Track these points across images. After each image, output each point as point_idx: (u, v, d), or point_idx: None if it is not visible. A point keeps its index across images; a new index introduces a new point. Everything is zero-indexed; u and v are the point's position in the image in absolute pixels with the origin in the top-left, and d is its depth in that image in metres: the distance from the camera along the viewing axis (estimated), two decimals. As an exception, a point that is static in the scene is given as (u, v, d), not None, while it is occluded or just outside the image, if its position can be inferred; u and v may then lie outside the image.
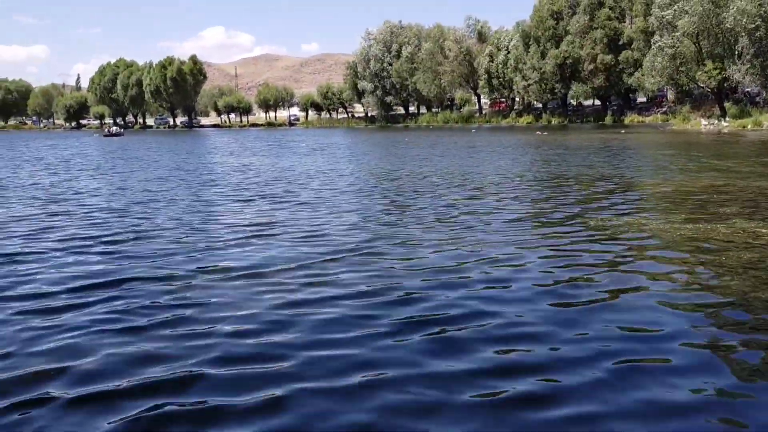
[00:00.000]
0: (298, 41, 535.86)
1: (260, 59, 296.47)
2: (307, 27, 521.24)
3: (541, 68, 74.19)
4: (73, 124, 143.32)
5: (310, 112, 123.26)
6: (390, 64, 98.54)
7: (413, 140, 47.03)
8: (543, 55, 74.86)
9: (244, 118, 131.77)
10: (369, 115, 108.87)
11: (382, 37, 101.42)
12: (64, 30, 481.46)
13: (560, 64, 72.74)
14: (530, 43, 77.09)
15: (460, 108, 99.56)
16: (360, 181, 18.64)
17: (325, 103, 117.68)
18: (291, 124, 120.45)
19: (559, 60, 72.49)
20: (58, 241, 9.87)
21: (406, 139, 50.43)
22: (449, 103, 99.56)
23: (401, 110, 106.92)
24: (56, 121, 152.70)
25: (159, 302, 6.45)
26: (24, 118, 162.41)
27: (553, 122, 75.99)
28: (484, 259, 7.95)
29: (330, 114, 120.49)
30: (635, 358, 4.78)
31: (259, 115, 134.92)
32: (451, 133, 62.62)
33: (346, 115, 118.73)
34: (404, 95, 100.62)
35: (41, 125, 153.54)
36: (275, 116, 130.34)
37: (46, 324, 5.82)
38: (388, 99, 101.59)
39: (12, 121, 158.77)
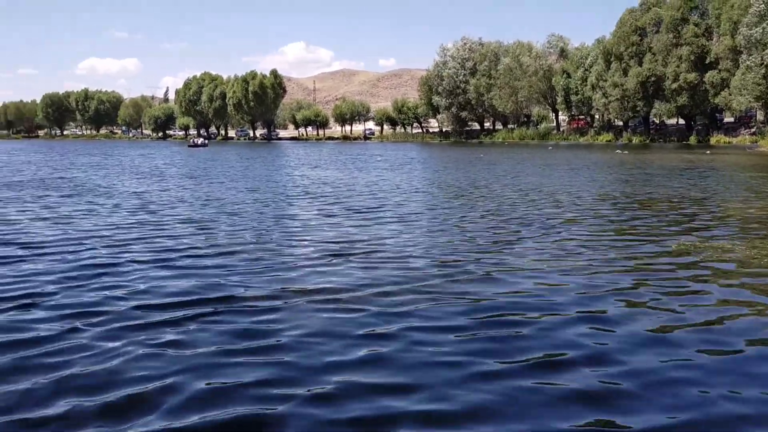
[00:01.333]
0: (376, 56, 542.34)
1: (338, 74, 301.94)
2: (384, 43, 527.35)
3: (622, 85, 72.53)
4: (160, 134, 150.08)
5: (384, 126, 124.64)
6: (465, 80, 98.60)
7: (492, 157, 46.88)
8: (625, 72, 73.19)
9: (321, 131, 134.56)
10: (443, 130, 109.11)
11: (459, 52, 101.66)
12: (154, 44, 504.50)
13: (643, 82, 70.93)
14: (611, 59, 75.54)
15: (537, 124, 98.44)
16: (439, 198, 18.89)
17: (400, 118, 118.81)
18: (366, 137, 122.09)
19: (642, 77, 70.71)
20: (147, 252, 10.06)
21: (481, 155, 50.42)
22: (525, 119, 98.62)
23: (476, 126, 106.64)
24: (144, 131, 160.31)
25: (245, 325, 6.37)
26: (114, 127, 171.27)
27: (634, 141, 74.05)
28: (574, 286, 7.79)
29: (404, 128, 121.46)
30: None
31: (335, 129, 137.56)
32: (528, 149, 62.05)
33: (420, 130, 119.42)
34: (480, 111, 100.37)
35: (130, 135, 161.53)
36: (351, 130, 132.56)
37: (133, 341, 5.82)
38: (463, 114, 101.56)
39: (103, 130, 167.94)
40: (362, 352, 5.57)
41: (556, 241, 11.04)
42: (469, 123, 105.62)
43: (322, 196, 19.46)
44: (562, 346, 5.68)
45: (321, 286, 7.86)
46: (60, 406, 4.48)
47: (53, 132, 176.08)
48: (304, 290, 7.68)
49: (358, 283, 7.95)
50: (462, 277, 8.30)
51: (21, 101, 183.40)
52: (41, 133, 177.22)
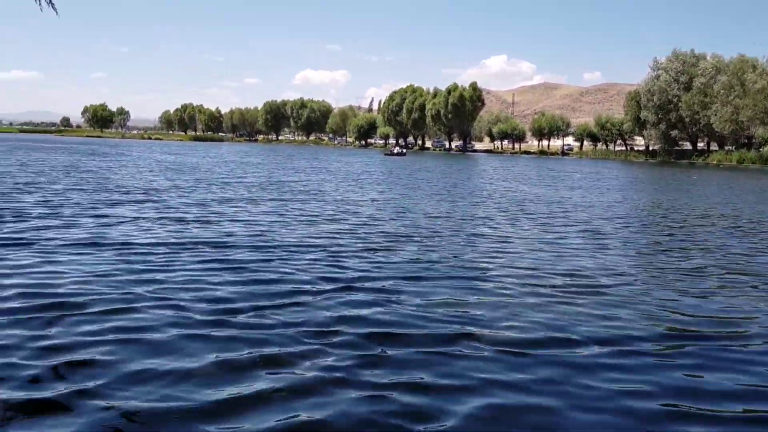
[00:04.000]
0: (580, 70, 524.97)
1: (539, 87, 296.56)
2: (590, 56, 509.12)
3: None
4: (362, 142, 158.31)
5: (585, 142, 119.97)
6: (678, 96, 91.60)
7: (713, 182, 42.99)
8: None
9: (517, 145, 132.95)
10: (650, 148, 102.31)
11: (672, 66, 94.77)
12: (363, 57, 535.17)
13: None
14: None
15: (759, 148, 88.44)
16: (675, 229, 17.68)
17: (602, 134, 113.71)
18: (563, 153, 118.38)
19: None
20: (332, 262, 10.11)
21: (694, 177, 46.47)
22: (746, 141, 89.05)
23: (687, 146, 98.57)
24: (348, 139, 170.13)
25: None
26: (322, 134, 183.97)
27: None
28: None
29: (606, 145, 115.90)
30: None
31: (532, 143, 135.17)
32: (749, 174, 55.94)
33: (624, 148, 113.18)
34: (693, 130, 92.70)
35: (335, 142, 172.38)
36: (548, 145, 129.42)
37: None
38: (673, 133, 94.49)
39: (312, 137, 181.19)
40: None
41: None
42: (680, 142, 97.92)
43: (537, 215, 18.12)
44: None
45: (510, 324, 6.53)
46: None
47: (270, 137, 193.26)
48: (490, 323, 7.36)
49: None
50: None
51: (245, 108, 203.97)
52: (260, 137, 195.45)
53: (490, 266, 9.48)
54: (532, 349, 5.62)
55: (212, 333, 5.77)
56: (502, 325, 6.35)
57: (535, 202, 21.59)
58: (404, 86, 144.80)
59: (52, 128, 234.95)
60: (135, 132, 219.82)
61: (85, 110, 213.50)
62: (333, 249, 10.38)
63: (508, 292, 7.82)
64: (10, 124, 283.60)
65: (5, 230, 11.16)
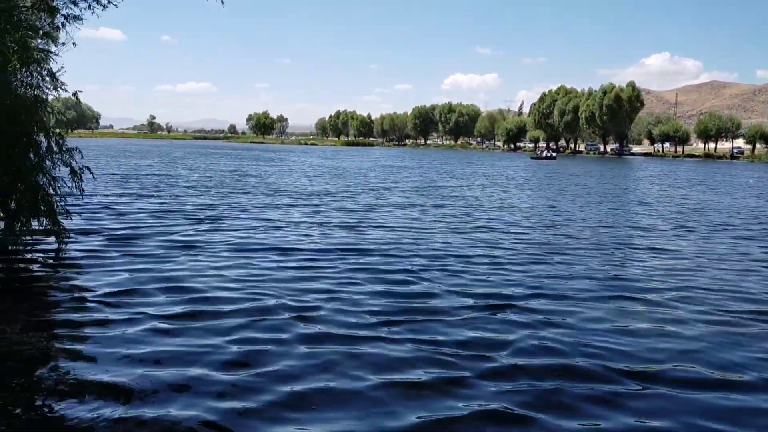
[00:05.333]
0: (753, 66, 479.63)
1: (705, 86, 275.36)
2: (764, 51, 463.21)
3: None
4: (510, 146, 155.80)
5: (757, 144, 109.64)
6: None
7: None
8: None
9: (679, 148, 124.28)
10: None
11: None
12: (514, 59, 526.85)
13: None
14: None
15: None
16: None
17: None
18: (733, 156, 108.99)
19: None
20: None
21: None
22: None
23: None
24: (496, 143, 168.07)
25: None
26: (470, 138, 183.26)
27: None
28: None
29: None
30: None
31: (697, 146, 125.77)
32: None
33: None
34: None
35: (483, 146, 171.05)
36: (715, 148, 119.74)
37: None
38: None
39: (460, 141, 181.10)
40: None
41: None
42: None
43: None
44: None
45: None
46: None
47: (418, 141, 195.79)
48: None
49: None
50: None
51: (395, 113, 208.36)
52: (408, 141, 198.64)
53: (661, 286, 8.92)
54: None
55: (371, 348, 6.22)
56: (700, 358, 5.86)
57: (707, 212, 20.41)
58: (556, 88, 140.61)
59: (221, 135, 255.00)
60: (293, 138, 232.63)
61: (249, 118, 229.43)
62: (493, 259, 10.52)
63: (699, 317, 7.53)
64: (185, 131, 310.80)
65: (180, 232, 12.42)
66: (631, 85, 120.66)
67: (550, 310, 7.35)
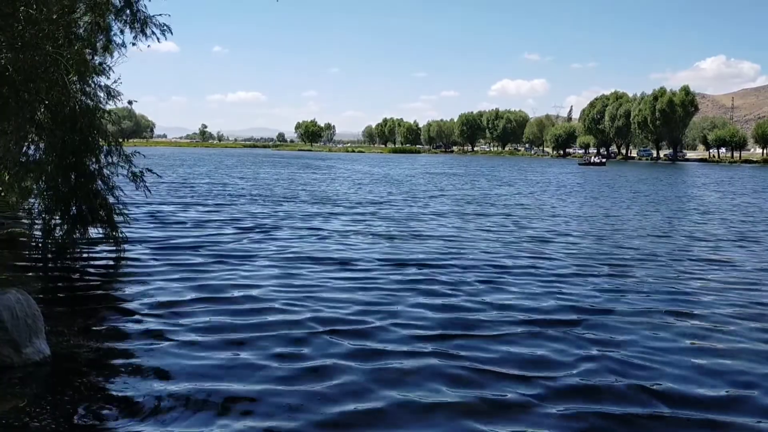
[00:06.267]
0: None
1: (763, 90, 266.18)
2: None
3: None
4: (560, 152, 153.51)
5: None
6: None
7: None
8: None
9: (736, 154, 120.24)
10: None
11: None
12: (562, 65, 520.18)
13: None
14: None
15: None
16: None
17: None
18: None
19: None
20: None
21: None
22: None
23: None
24: (545, 149, 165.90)
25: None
26: (518, 145, 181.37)
27: None
28: None
29: None
30: None
31: (755, 151, 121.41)
32: None
33: None
34: None
35: (532, 152, 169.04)
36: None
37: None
38: None
39: (508, 147, 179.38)
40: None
41: None
42: None
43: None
44: None
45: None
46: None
47: (465, 148, 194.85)
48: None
49: None
50: None
51: (441, 120, 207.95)
52: (455, 148, 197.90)
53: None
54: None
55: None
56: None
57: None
58: (607, 93, 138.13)
59: (270, 143, 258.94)
60: (340, 145, 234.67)
61: (298, 126, 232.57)
62: (545, 270, 10.26)
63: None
64: (235, 140, 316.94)
65: (234, 241, 12.56)
66: (685, 89, 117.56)
67: (609, 327, 7.12)
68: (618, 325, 7.09)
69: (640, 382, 5.34)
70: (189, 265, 9.80)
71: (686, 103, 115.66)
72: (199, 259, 10.34)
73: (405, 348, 6.14)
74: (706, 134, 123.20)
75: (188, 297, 7.84)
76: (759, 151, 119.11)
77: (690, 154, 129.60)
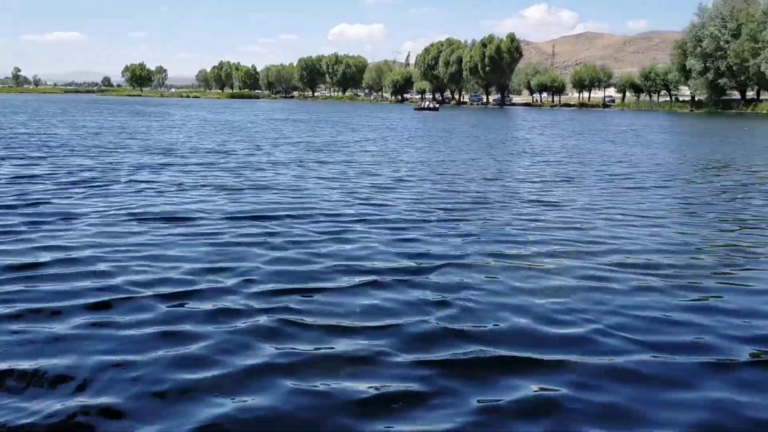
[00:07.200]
0: (624, 17, 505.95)
1: (580, 38, 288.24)
2: (636, 2, 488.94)
3: None
4: (398, 97, 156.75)
5: (627, 93, 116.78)
6: (727, 43, 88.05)
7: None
8: None
9: (556, 98, 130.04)
10: (695, 99, 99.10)
11: (719, 12, 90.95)
12: (400, 10, 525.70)
13: None
14: None
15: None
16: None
17: (645, 85, 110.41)
18: (605, 105, 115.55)
19: None
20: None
21: (745, 128, 45.24)
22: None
23: (735, 95, 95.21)
24: (384, 95, 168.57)
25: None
26: (357, 90, 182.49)
27: None
28: None
29: (650, 96, 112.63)
30: None
31: (572, 95, 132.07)
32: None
33: (668, 98, 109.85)
34: (741, 78, 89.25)
35: (371, 97, 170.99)
36: (588, 97, 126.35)
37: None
38: (721, 82, 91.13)
39: (348, 93, 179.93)
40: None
41: None
42: (728, 92, 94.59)
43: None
44: None
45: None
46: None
47: (305, 93, 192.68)
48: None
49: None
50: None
51: (281, 65, 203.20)
52: (295, 94, 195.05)
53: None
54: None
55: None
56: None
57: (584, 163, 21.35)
58: (441, 39, 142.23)
59: (94, 88, 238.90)
60: (173, 90, 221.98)
61: (125, 70, 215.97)
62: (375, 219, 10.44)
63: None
64: (54, 84, 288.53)
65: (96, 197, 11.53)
66: (511, 37, 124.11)
67: (451, 273, 7.24)
68: (457, 271, 7.13)
69: (480, 326, 5.43)
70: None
71: (512, 50, 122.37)
72: (13, 220, 9.19)
73: (241, 307, 5.75)
74: (530, 80, 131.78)
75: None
76: (576, 95, 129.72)
77: (516, 99, 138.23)
